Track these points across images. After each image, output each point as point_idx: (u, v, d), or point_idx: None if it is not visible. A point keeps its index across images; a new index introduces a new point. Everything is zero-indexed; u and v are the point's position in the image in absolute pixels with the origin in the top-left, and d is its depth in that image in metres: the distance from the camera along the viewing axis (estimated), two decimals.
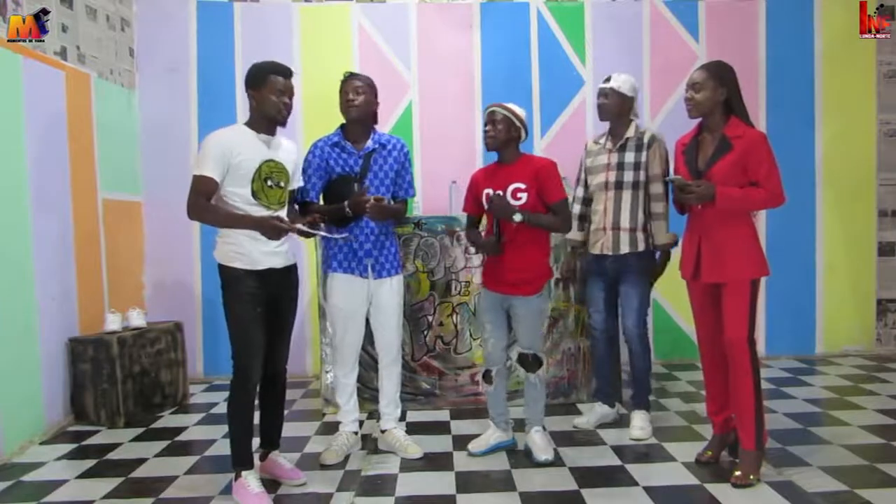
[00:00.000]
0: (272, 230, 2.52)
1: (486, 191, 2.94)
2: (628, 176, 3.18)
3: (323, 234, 2.76)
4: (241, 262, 2.57)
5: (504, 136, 2.89)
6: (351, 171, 2.99)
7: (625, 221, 3.18)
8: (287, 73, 2.64)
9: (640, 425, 3.23)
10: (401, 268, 3.14)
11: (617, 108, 3.20)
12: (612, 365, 3.45)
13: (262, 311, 2.60)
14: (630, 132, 3.21)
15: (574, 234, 3.41)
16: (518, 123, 2.91)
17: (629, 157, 3.19)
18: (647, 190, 3.19)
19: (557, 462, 2.93)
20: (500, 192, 2.87)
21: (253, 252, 2.58)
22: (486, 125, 2.92)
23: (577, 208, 3.40)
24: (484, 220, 3.14)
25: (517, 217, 2.81)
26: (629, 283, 3.21)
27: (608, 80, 3.23)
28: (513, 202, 2.86)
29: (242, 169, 2.54)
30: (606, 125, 3.33)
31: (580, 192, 3.41)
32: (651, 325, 4.72)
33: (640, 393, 3.31)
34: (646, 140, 3.18)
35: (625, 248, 3.18)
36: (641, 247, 3.18)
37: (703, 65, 2.75)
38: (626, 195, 3.18)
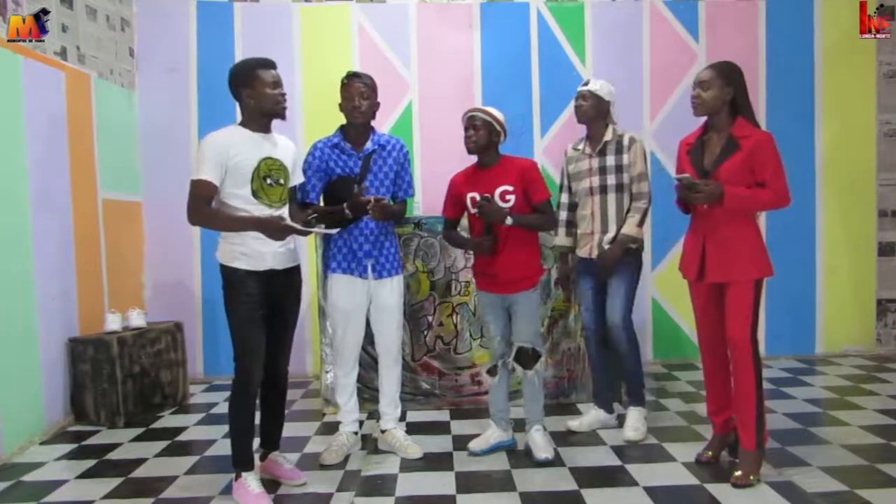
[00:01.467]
0: (277, 230, 2.50)
1: (470, 195, 2.97)
2: (611, 179, 3.21)
3: (318, 230, 2.73)
4: (244, 263, 2.55)
5: (485, 139, 2.93)
6: (351, 172, 2.99)
7: (612, 224, 3.21)
8: (272, 64, 2.63)
9: (633, 426, 3.22)
10: (401, 268, 3.14)
11: (594, 111, 3.24)
12: (607, 365, 3.44)
13: (265, 313, 2.59)
14: (608, 136, 3.24)
15: (562, 240, 3.44)
16: (498, 127, 2.95)
17: (610, 160, 3.22)
18: (630, 191, 3.21)
19: (557, 462, 2.93)
20: (489, 196, 2.88)
21: (258, 252, 2.56)
22: (466, 130, 2.95)
23: (563, 214, 3.41)
24: (464, 222, 3.15)
25: (508, 220, 2.84)
26: (614, 281, 3.22)
27: (586, 83, 3.28)
28: (501, 204, 2.88)
29: (241, 169, 2.52)
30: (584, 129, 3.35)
31: (565, 198, 3.43)
32: (651, 325, 4.74)
33: (634, 390, 3.32)
34: (625, 142, 3.22)
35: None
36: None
37: (710, 64, 2.74)
38: (611, 198, 3.21)
